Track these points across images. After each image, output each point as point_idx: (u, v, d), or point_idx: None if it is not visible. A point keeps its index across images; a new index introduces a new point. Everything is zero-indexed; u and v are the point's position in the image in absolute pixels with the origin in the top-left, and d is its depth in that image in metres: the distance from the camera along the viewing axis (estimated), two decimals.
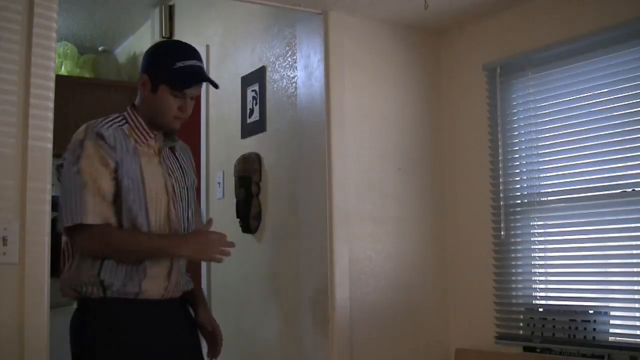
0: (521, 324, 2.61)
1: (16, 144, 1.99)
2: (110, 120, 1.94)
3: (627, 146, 2.32)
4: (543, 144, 2.59)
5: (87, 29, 4.56)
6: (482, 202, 2.78)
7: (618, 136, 2.34)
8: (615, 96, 2.36)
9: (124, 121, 1.96)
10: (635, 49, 2.31)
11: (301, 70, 2.80)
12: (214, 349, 2.11)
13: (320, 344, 2.56)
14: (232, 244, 1.94)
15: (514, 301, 2.67)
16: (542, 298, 2.59)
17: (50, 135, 2.04)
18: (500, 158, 2.72)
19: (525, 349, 2.57)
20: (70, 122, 4.55)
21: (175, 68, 1.95)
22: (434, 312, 2.86)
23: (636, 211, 2.31)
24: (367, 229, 2.70)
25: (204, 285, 3.53)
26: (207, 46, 3.64)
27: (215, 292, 3.46)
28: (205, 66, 3.64)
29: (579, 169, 2.47)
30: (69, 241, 1.92)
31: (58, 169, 4.29)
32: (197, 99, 2.12)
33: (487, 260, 2.74)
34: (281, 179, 2.96)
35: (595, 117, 2.41)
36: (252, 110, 3.19)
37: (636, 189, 2.29)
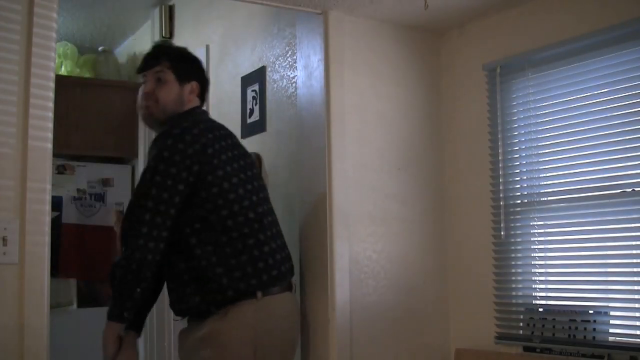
0: (521, 324, 2.61)
1: (16, 144, 1.99)
2: None
3: (627, 146, 2.31)
4: (543, 144, 2.59)
5: (87, 29, 4.56)
6: (482, 202, 2.78)
7: (618, 136, 2.34)
8: (615, 96, 2.36)
9: None
10: (635, 49, 2.31)
11: (301, 70, 2.80)
12: None
13: (321, 344, 2.56)
14: None
15: (514, 301, 2.67)
16: (542, 298, 2.59)
17: (50, 135, 2.04)
18: (500, 158, 2.72)
19: (525, 349, 2.57)
20: (71, 122, 4.60)
21: None
22: (434, 312, 2.86)
23: (636, 211, 2.31)
24: (367, 229, 2.70)
25: None
26: (207, 46, 3.64)
27: None
28: (205, 65, 3.68)
29: (579, 169, 2.47)
30: None
31: (58, 168, 4.32)
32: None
33: (487, 260, 2.74)
34: (281, 179, 2.96)
35: (595, 117, 2.41)
36: (252, 110, 3.19)
37: (636, 189, 2.29)
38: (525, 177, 2.67)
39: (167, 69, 2.37)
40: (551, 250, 2.55)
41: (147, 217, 2.14)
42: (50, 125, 2.04)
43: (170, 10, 4.08)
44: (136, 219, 2.16)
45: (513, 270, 2.68)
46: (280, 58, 3.02)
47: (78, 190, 4.31)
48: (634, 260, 2.31)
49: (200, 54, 3.68)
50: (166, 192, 2.16)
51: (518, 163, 2.69)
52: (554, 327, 2.49)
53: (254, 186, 2.32)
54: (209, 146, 2.24)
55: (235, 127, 3.30)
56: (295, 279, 2.72)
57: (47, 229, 2.01)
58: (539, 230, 2.59)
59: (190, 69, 2.44)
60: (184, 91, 2.38)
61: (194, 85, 2.42)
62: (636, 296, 2.33)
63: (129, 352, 2.22)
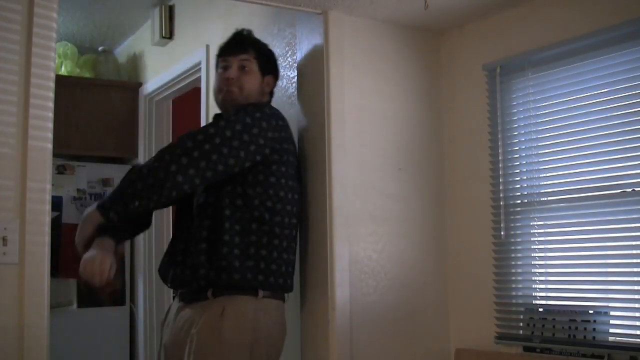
0: (521, 324, 2.61)
1: (16, 144, 1.99)
2: None
3: (627, 146, 2.31)
4: (543, 144, 2.59)
5: (87, 29, 4.56)
6: (482, 202, 2.78)
7: (618, 136, 2.34)
8: (615, 96, 2.36)
9: None
10: (635, 49, 2.31)
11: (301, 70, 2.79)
12: None
13: (320, 344, 2.56)
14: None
15: (514, 301, 2.67)
16: (542, 298, 2.59)
17: (50, 135, 2.04)
18: (500, 158, 2.72)
19: (525, 349, 2.57)
20: (71, 122, 4.61)
21: None
22: (434, 312, 2.86)
23: (636, 211, 2.31)
24: (367, 229, 2.70)
25: None
26: (207, 46, 3.64)
27: None
28: (205, 65, 3.68)
29: (579, 169, 2.47)
30: None
31: (58, 168, 4.32)
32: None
33: (487, 260, 2.74)
34: None
35: (595, 117, 2.41)
36: None
37: (636, 189, 2.29)
38: (525, 177, 2.67)
39: (254, 58, 2.42)
40: (551, 250, 2.55)
41: (195, 154, 2.12)
42: (50, 125, 2.05)
43: (170, 10, 4.08)
44: (184, 148, 2.12)
45: (513, 270, 2.68)
46: (280, 58, 3.01)
47: (78, 190, 4.31)
48: (634, 260, 2.31)
49: (200, 54, 3.69)
50: (226, 148, 2.16)
51: (518, 163, 2.69)
52: (554, 327, 2.49)
53: (297, 198, 2.40)
54: (285, 141, 2.33)
55: None
56: (295, 279, 2.72)
57: (47, 229, 2.01)
58: (539, 230, 2.59)
59: (271, 63, 2.52)
60: (264, 83, 2.46)
61: (271, 79, 2.50)
62: (636, 296, 2.33)
63: (105, 254, 2.09)
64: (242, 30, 2.52)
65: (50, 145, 2.04)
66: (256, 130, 2.21)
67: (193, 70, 3.82)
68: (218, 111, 3.52)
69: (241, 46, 2.43)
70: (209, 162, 2.12)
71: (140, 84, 4.55)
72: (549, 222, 2.57)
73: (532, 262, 2.61)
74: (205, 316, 2.19)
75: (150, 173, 2.08)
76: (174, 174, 2.07)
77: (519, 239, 2.67)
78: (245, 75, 2.39)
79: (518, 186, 2.69)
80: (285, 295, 2.38)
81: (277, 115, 2.36)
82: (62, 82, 4.10)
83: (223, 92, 2.40)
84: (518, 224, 2.68)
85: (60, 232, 4.15)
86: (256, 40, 2.53)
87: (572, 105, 2.49)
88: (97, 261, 2.06)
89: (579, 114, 2.47)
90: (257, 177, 2.26)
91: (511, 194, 2.70)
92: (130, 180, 2.10)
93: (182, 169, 2.08)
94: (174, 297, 2.39)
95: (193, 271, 2.22)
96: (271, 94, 2.54)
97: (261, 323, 2.22)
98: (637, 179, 2.29)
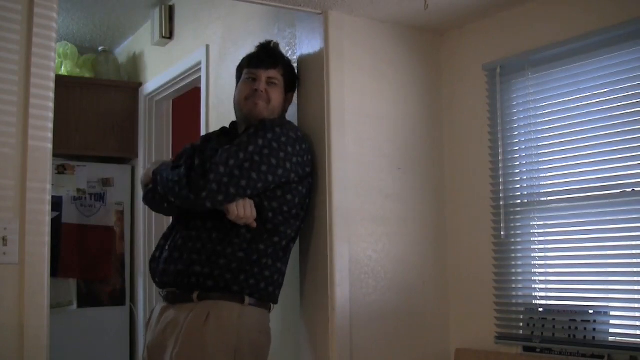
0: (521, 324, 2.61)
1: (16, 144, 1.99)
2: None
3: (627, 146, 2.31)
4: (543, 144, 2.59)
5: (87, 29, 4.56)
6: (482, 202, 2.78)
7: (618, 136, 2.34)
8: (615, 96, 2.36)
9: None
10: (635, 49, 2.31)
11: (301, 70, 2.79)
12: None
13: (320, 344, 2.56)
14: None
15: (514, 301, 2.67)
16: (542, 298, 2.59)
17: (50, 135, 2.04)
18: (500, 158, 2.72)
19: (525, 349, 2.57)
20: (70, 122, 4.61)
21: None
22: (434, 312, 2.86)
23: (636, 211, 2.31)
24: (367, 229, 2.70)
25: None
26: (207, 46, 3.65)
27: None
28: (205, 65, 3.68)
29: (579, 169, 2.47)
30: None
31: (58, 168, 4.32)
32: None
33: (487, 260, 2.74)
34: None
35: (595, 117, 2.41)
36: None
37: (636, 189, 2.29)
38: (525, 177, 2.67)
39: (281, 75, 2.51)
40: (551, 250, 2.55)
41: (225, 180, 2.18)
42: (50, 125, 2.05)
43: (170, 10, 4.09)
44: (216, 173, 2.17)
45: (513, 270, 2.68)
46: None
47: (78, 190, 4.32)
48: (634, 260, 2.31)
49: (200, 54, 3.69)
50: (255, 173, 2.22)
51: (518, 163, 2.68)
52: (554, 327, 2.49)
53: (304, 216, 2.50)
54: (307, 165, 2.43)
55: None
56: (295, 279, 2.72)
57: (47, 229, 2.02)
58: (539, 230, 2.59)
59: (294, 81, 2.61)
60: (286, 100, 2.56)
61: (291, 96, 2.61)
62: (636, 296, 2.33)
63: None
64: (270, 42, 2.59)
65: (50, 145, 2.04)
66: (283, 155, 2.30)
67: (193, 70, 3.82)
68: (220, 111, 3.53)
69: (272, 61, 2.50)
70: (237, 188, 2.19)
71: (140, 84, 4.55)
72: (549, 222, 2.57)
73: (532, 262, 2.61)
74: (189, 320, 2.20)
75: (186, 183, 2.18)
76: (214, 190, 2.17)
77: (519, 239, 2.67)
78: (273, 90, 2.48)
79: (518, 186, 2.69)
80: (271, 305, 2.41)
81: (301, 139, 2.43)
82: (62, 82, 4.12)
83: (249, 103, 2.45)
84: (518, 224, 2.68)
85: (60, 232, 4.16)
86: (284, 56, 2.61)
87: (572, 105, 2.49)
88: (248, 204, 2.22)
89: (579, 114, 2.47)
90: (276, 193, 2.33)
91: (511, 194, 2.70)
92: (173, 180, 2.22)
93: (210, 196, 2.17)
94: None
95: (187, 267, 2.23)
96: (286, 109, 2.62)
97: (245, 330, 2.23)
98: (637, 179, 2.29)
